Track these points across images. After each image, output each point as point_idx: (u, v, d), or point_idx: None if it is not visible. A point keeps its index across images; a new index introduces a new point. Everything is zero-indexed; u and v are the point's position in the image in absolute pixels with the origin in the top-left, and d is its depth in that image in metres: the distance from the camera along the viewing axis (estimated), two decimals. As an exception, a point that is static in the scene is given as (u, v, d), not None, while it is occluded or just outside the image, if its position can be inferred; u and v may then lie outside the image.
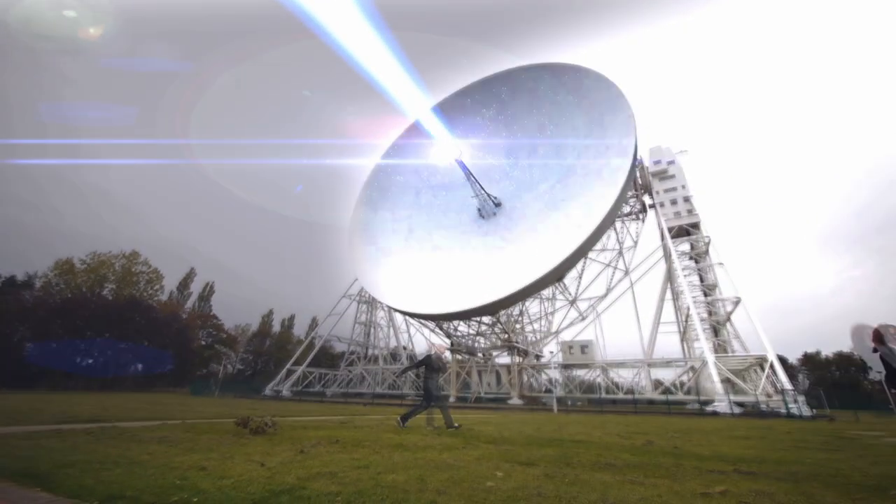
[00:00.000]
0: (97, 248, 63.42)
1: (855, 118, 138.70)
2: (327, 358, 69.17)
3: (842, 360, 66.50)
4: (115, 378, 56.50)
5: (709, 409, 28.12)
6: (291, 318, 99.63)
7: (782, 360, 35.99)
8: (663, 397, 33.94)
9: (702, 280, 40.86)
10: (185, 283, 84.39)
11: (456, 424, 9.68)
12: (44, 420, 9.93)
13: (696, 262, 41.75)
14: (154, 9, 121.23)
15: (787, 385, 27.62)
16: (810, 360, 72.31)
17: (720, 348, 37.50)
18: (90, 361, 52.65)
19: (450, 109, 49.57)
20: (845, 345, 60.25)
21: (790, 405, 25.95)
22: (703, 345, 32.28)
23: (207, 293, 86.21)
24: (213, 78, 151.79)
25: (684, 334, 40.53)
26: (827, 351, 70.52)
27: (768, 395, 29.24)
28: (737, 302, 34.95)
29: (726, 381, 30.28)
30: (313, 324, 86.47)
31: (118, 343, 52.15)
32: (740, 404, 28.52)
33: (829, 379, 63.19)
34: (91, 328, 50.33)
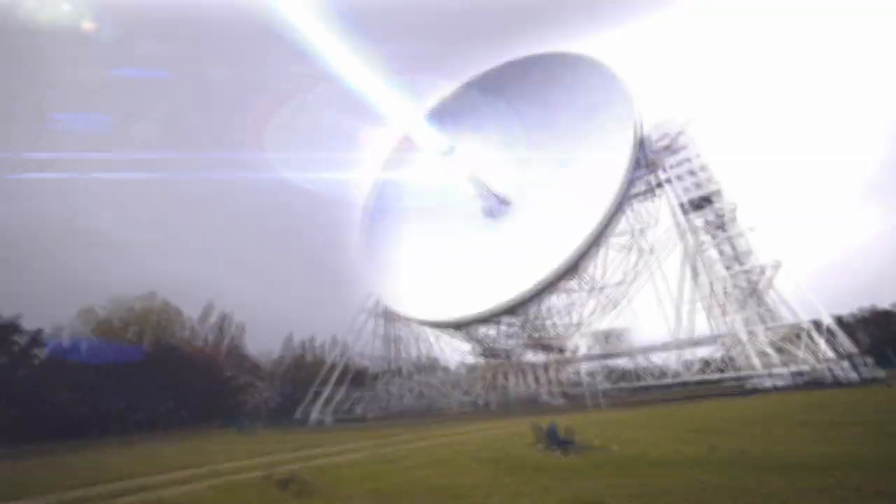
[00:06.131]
0: (112, 293, 63.21)
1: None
2: (356, 375, 68.09)
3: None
4: (147, 421, 56.63)
5: (748, 385, 26.04)
6: (311, 340, 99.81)
7: (837, 322, 33.40)
8: (706, 377, 31.72)
9: (733, 249, 38.50)
10: (204, 317, 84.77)
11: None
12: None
13: (724, 230, 39.42)
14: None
15: (852, 348, 25.23)
16: (868, 317, 64.96)
17: (762, 318, 35.13)
18: (122, 405, 52.83)
19: (448, 110, 48.49)
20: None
21: (860, 368, 23.49)
22: (737, 318, 30.11)
23: (226, 324, 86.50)
24: (205, 93, 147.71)
25: (722, 308, 38.20)
26: (884, 303, 62.96)
27: (827, 362, 26.97)
28: (776, 266, 32.65)
29: (777, 350, 28.11)
30: (334, 342, 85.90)
31: (148, 387, 52.23)
32: (800, 373, 26.24)
33: (892, 334, 52.67)
34: (120, 374, 50.56)
